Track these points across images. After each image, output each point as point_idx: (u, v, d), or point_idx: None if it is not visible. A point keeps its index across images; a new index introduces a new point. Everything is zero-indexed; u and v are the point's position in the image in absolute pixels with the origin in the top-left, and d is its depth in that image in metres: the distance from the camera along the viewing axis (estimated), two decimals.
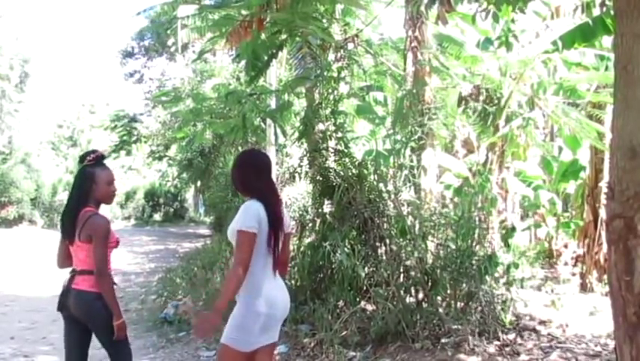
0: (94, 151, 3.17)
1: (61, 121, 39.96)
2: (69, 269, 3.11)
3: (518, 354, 4.17)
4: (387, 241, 5.26)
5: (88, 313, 2.96)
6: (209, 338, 4.97)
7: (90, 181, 3.03)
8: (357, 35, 7.86)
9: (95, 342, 3.15)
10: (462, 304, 4.73)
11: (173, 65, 20.83)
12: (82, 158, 3.11)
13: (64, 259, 3.12)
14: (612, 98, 2.60)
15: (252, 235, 2.63)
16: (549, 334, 4.66)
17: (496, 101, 7.85)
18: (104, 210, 3.20)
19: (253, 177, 2.80)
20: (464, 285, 4.71)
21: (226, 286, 2.66)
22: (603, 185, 7.09)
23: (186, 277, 8.57)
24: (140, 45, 19.98)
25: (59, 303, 3.04)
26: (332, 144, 6.04)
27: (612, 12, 3.33)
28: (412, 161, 6.81)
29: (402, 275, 5.04)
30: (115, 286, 3.06)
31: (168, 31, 11.04)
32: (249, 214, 2.66)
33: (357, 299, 5.07)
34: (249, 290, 2.68)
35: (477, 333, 4.38)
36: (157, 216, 29.21)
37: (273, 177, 11.02)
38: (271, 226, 2.70)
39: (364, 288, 5.08)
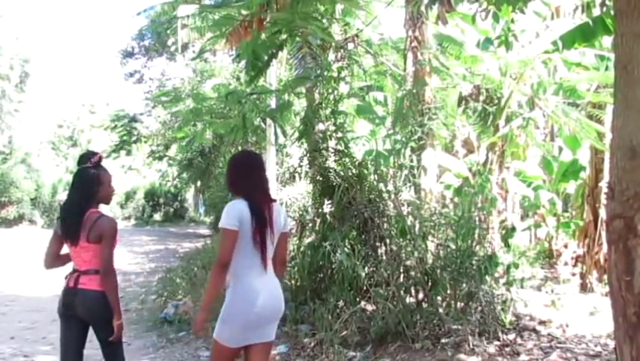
0: (95, 153, 3.18)
1: (61, 121, 40.00)
2: (64, 270, 3.12)
3: (518, 354, 4.17)
4: (387, 241, 5.26)
5: (95, 313, 2.98)
6: (206, 335, 4.97)
7: (97, 183, 3.06)
8: (357, 35, 7.87)
9: (93, 343, 3.16)
10: (462, 304, 4.73)
11: (173, 65, 20.86)
12: (83, 159, 3.11)
13: (54, 260, 3.12)
14: (612, 98, 2.60)
15: (232, 233, 2.70)
16: (549, 334, 4.66)
17: (496, 101, 7.86)
18: (104, 210, 3.21)
19: (242, 176, 2.87)
20: (464, 285, 4.71)
21: (208, 284, 2.83)
22: (603, 185, 7.09)
23: (186, 277, 8.56)
24: (140, 45, 19.96)
25: (64, 303, 3.03)
26: (332, 144, 6.04)
27: (612, 12, 3.33)
28: (412, 161, 6.81)
29: (402, 275, 5.04)
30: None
31: (168, 31, 11.06)
32: (230, 213, 2.73)
33: (357, 299, 5.07)
34: (234, 288, 2.76)
35: (477, 333, 4.39)
36: (157, 216, 29.21)
37: (273, 177, 11.02)
38: (256, 224, 2.74)
39: (364, 288, 5.08)
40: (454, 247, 4.99)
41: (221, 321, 2.77)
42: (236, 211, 2.74)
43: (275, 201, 2.96)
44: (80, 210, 2.99)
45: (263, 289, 2.77)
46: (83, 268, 3.00)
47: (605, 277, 6.74)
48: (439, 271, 4.83)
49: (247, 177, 2.86)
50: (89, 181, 3.05)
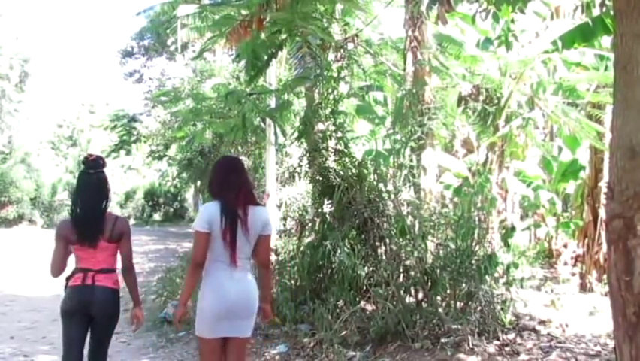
0: (101, 156, 3.31)
1: (61, 121, 39.94)
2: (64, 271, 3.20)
3: (518, 354, 4.17)
4: (387, 240, 5.26)
5: (109, 309, 3.15)
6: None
7: (109, 186, 3.26)
8: (356, 35, 7.87)
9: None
10: (462, 304, 4.73)
11: (172, 65, 20.81)
12: (95, 163, 3.22)
13: (61, 266, 3.17)
14: (612, 98, 2.60)
15: (202, 235, 2.90)
16: (549, 334, 4.66)
17: (495, 101, 7.86)
18: None
19: (218, 180, 3.06)
20: (464, 285, 4.71)
21: (185, 281, 3.09)
22: (603, 185, 7.09)
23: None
24: (139, 45, 19.92)
25: (78, 301, 3.09)
26: (332, 143, 6.04)
27: (612, 12, 3.33)
28: (411, 161, 6.80)
29: (402, 275, 5.04)
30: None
31: (168, 31, 11.03)
32: (201, 216, 2.95)
33: (357, 299, 5.07)
34: (204, 283, 2.98)
35: (477, 333, 4.39)
36: (157, 216, 29.21)
37: (273, 176, 10.96)
38: (225, 224, 2.90)
39: (364, 288, 5.09)
40: (453, 246, 4.99)
41: (196, 316, 2.99)
42: (206, 214, 2.93)
43: (257, 204, 3.07)
44: (103, 213, 3.15)
45: (231, 284, 2.92)
46: (97, 268, 3.12)
47: (605, 276, 6.74)
48: (438, 270, 4.83)
49: (222, 181, 3.03)
50: (105, 184, 3.22)
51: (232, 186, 2.99)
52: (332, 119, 6.07)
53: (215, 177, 3.09)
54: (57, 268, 3.14)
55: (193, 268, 2.95)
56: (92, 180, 3.18)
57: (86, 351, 3.22)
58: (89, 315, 3.11)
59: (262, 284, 3.16)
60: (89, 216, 3.12)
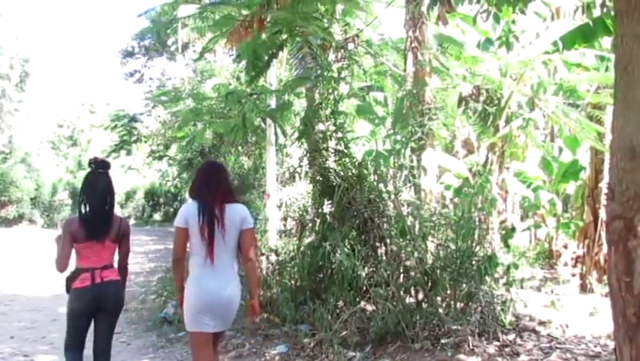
0: (106, 159, 3.50)
1: (61, 120, 39.95)
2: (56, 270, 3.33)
3: (518, 355, 4.17)
4: (387, 241, 5.26)
5: (120, 299, 3.38)
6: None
7: (113, 187, 3.42)
8: (357, 35, 7.86)
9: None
10: (462, 304, 4.72)
11: (173, 65, 20.84)
12: (102, 165, 3.38)
13: (67, 262, 3.29)
14: (612, 99, 2.61)
15: (179, 230, 3.11)
16: (549, 334, 4.66)
17: (496, 102, 7.86)
18: None
19: (198, 182, 3.25)
20: (464, 285, 4.71)
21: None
22: (603, 186, 7.10)
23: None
24: (140, 45, 19.93)
25: (93, 297, 3.23)
26: (332, 144, 6.04)
27: (612, 13, 3.33)
28: (412, 161, 6.80)
29: (402, 275, 5.04)
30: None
31: (168, 31, 11.04)
32: (179, 214, 3.16)
33: (357, 299, 5.06)
34: (187, 279, 3.15)
35: (477, 334, 4.38)
36: (157, 216, 29.23)
37: (273, 177, 10.95)
38: (202, 221, 3.06)
39: (364, 288, 5.08)
40: (453, 247, 4.98)
41: (184, 310, 3.15)
42: (184, 212, 3.13)
43: (235, 202, 3.21)
44: (110, 212, 3.33)
45: (208, 280, 3.07)
46: (100, 265, 3.27)
47: (605, 277, 6.74)
48: (438, 271, 4.83)
49: (201, 183, 3.22)
50: (111, 186, 3.39)
51: (210, 188, 3.17)
52: (332, 119, 6.07)
53: (197, 180, 3.27)
54: (63, 264, 3.27)
55: (174, 264, 3.18)
56: (101, 180, 3.32)
57: (87, 351, 3.32)
58: (96, 310, 3.27)
59: (248, 279, 3.27)
60: (98, 215, 3.27)
